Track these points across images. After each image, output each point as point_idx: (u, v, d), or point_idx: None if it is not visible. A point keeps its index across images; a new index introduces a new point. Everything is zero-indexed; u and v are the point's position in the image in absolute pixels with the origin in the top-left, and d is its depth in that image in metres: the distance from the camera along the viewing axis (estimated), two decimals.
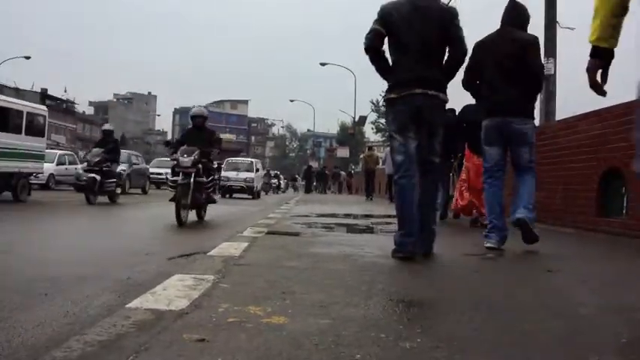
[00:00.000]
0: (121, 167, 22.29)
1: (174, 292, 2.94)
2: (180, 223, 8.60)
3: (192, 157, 9.00)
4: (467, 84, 5.79)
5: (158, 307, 2.59)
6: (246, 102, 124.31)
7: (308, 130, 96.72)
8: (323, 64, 50.97)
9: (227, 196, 24.66)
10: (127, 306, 2.62)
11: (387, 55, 4.92)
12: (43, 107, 16.99)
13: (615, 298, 3.40)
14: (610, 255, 5.95)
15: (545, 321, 2.72)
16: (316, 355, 2.00)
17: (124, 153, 25.83)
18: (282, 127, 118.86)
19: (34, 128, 15.17)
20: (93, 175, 14.16)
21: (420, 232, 4.67)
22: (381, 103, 58.30)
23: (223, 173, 26.53)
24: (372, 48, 4.82)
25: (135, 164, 24.82)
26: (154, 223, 10.08)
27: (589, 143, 8.00)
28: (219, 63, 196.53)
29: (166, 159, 43.23)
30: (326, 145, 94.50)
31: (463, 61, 5.01)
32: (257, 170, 27.91)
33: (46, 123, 15.99)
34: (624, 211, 7.37)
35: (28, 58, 49.94)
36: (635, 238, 6.60)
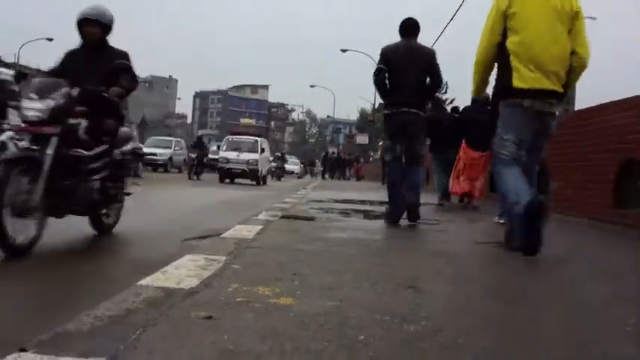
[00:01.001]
0: None
1: (185, 272, 2.98)
2: (6, 246, 3.79)
3: (55, 101, 4.26)
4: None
5: (168, 285, 2.63)
6: (266, 87, 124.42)
7: (328, 117, 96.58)
8: (344, 51, 50.63)
9: (227, 180, 22.24)
10: (139, 283, 2.66)
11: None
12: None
13: (623, 289, 3.40)
14: (622, 247, 5.91)
15: (552, 309, 2.74)
16: (321, 335, 2.03)
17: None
18: (302, 112, 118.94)
19: None
20: None
21: (408, 207, 6.38)
22: None
23: (222, 154, 23.00)
24: (379, 83, 6.50)
25: None
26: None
27: (606, 134, 7.92)
28: (240, 47, 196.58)
29: (165, 137, 36.94)
30: (345, 132, 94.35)
31: (440, 87, 7.22)
32: (262, 151, 23.69)
33: None
34: None
35: (50, 40, 50.18)
36: None
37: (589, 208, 8.17)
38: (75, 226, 5.00)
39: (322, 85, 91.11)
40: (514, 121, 4.48)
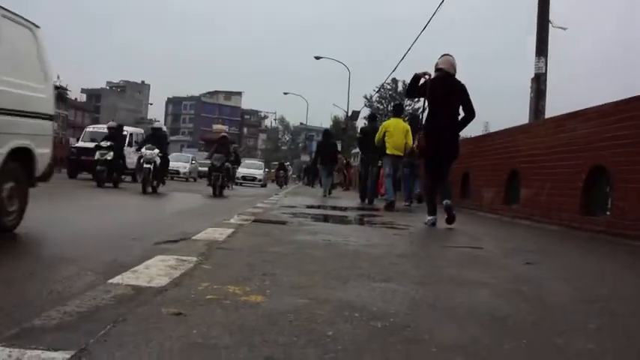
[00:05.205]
0: None
1: (155, 271, 2.99)
2: None
3: None
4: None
5: (139, 284, 2.64)
6: (239, 94, 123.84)
7: (301, 124, 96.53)
8: (317, 58, 50.60)
9: None
10: (109, 281, 2.67)
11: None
12: None
13: (588, 290, 3.48)
14: (590, 251, 6.02)
15: (517, 307, 2.79)
16: (289, 331, 2.05)
17: None
18: (275, 119, 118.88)
19: None
20: None
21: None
22: (374, 98, 58.48)
23: None
24: (360, 144, 14.89)
25: None
26: None
27: (576, 142, 8.06)
28: (214, 53, 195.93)
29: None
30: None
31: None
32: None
33: None
34: (608, 210, 7.41)
35: None
36: (617, 236, 6.67)
37: (560, 214, 8.29)
38: None
39: (295, 93, 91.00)
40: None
